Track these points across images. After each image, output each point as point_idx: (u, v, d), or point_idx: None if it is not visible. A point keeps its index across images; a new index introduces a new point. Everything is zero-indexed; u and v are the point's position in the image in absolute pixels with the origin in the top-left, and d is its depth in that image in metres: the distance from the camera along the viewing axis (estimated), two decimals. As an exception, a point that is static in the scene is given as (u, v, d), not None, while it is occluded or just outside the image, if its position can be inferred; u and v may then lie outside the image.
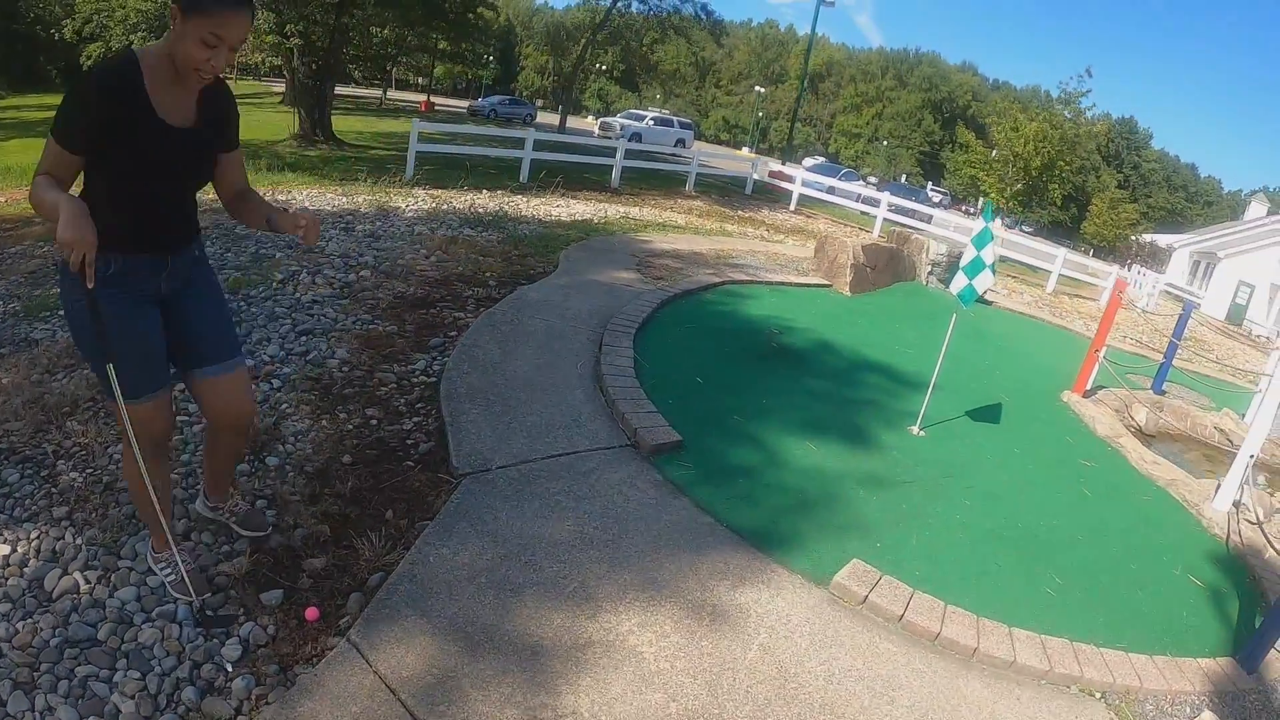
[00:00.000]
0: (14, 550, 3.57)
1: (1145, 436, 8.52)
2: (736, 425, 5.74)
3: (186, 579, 3.29)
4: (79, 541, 3.64)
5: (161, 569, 3.42)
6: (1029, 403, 8.20)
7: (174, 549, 3.32)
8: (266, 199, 3.28)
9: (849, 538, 4.53)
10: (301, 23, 22.24)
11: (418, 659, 3.06)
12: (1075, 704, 3.70)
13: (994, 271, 6.37)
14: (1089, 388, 8.90)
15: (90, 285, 2.59)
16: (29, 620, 3.21)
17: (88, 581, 3.43)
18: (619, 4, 40.24)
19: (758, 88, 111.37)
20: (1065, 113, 36.35)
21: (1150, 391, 9.84)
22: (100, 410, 4.67)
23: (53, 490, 3.97)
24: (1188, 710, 3.89)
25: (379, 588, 3.42)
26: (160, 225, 2.98)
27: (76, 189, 2.78)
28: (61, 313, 5.94)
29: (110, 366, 2.83)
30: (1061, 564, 4.91)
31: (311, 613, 3.31)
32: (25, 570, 3.47)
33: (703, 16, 40.94)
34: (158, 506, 3.19)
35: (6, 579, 3.41)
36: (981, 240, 6.22)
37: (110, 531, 3.71)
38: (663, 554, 3.97)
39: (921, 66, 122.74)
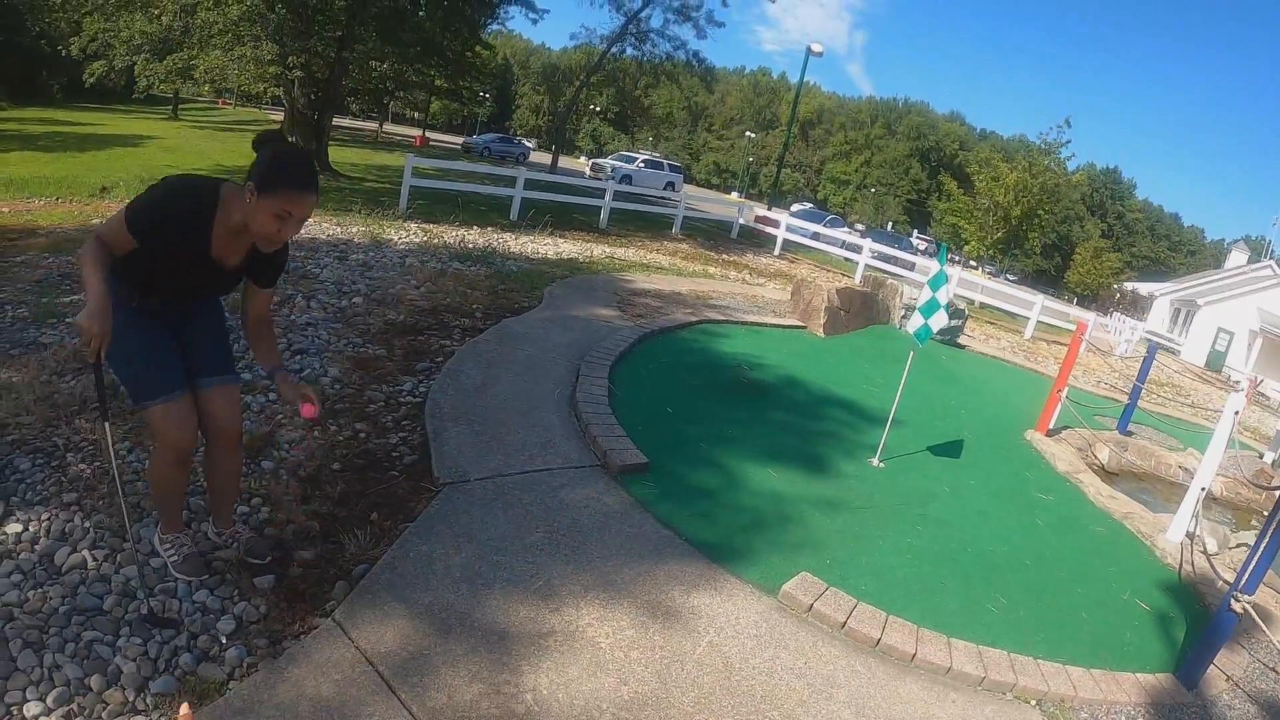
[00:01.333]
0: (25, 529, 3.92)
1: (1108, 474, 8.80)
2: (701, 451, 6.05)
3: (191, 560, 3.72)
4: (87, 524, 3.98)
5: (166, 550, 3.78)
6: (992, 440, 8.49)
7: (181, 533, 3.77)
8: (279, 350, 3.78)
9: (801, 554, 4.82)
10: (304, 55, 22.69)
11: (395, 637, 3.40)
12: (1009, 708, 3.96)
13: (948, 311, 6.75)
14: (1052, 427, 9.19)
15: (93, 362, 3.09)
16: (39, 590, 3.54)
17: (95, 559, 3.77)
18: (613, 49, 40.74)
19: (748, 133, 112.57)
20: (1047, 162, 37.01)
21: (1115, 432, 10.17)
22: (109, 410, 5.03)
23: (62, 479, 4.31)
24: (1124, 718, 4.13)
25: (363, 577, 3.76)
26: (181, 298, 3.50)
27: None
28: (68, 320, 6.35)
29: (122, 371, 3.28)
30: (1007, 586, 5.15)
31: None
32: (36, 546, 3.82)
33: (695, 64, 41.44)
34: (172, 495, 3.67)
35: (19, 553, 3.75)
36: (936, 282, 6.63)
37: (116, 517, 4.04)
38: (623, 560, 4.30)
39: (910, 115, 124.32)
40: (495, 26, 32.72)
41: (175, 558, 3.77)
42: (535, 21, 37.45)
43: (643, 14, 39.14)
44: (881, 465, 6.71)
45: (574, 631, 3.67)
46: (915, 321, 6.71)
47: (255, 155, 3.19)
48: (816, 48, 37.18)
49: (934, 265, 6.74)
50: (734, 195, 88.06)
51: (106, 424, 3.40)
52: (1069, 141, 37.01)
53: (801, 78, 40.41)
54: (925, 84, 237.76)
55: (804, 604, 4.23)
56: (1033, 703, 4.06)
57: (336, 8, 22.57)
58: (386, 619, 3.51)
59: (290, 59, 22.69)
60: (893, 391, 6.95)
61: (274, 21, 21.34)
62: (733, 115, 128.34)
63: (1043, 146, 37.79)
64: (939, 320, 6.65)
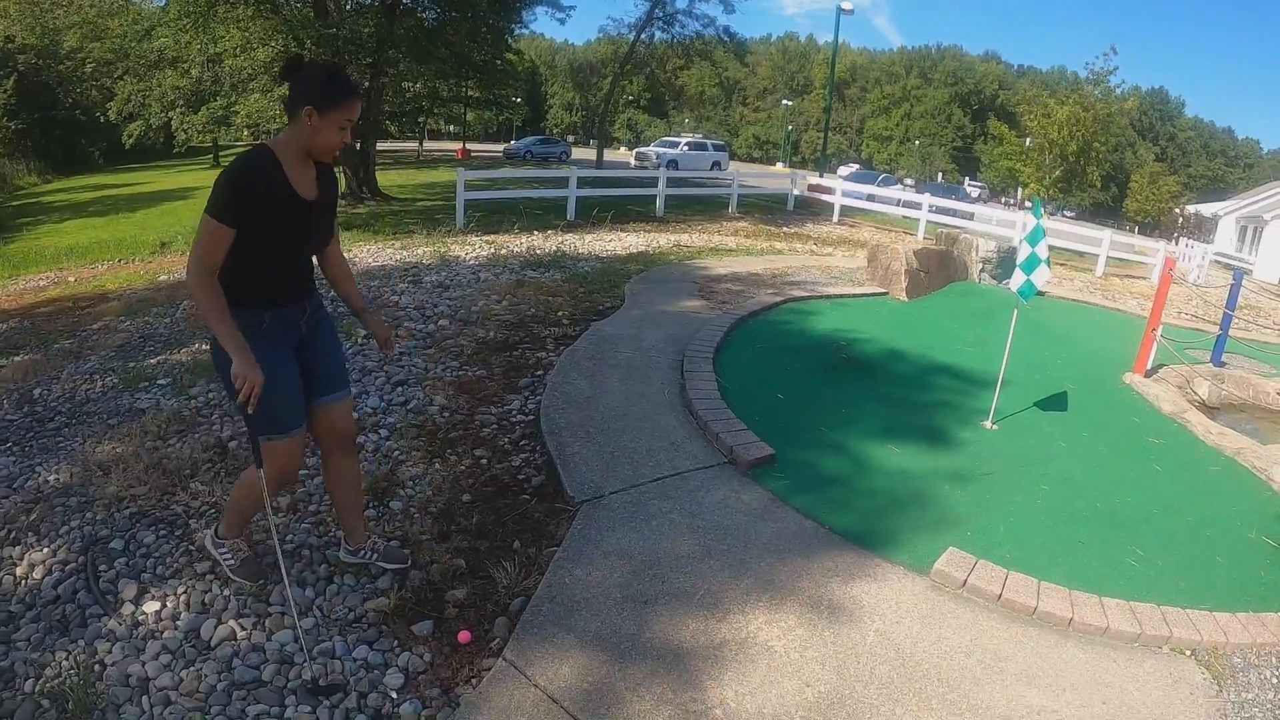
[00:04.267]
0: (164, 605, 3.86)
1: (1209, 409, 8.60)
2: (820, 435, 6.01)
3: (248, 563, 3.95)
4: (226, 593, 3.91)
5: (223, 553, 3.95)
6: (1093, 388, 8.33)
7: (240, 538, 3.98)
8: (359, 291, 3.91)
9: (941, 530, 4.78)
10: (343, 86, 22.87)
11: (571, 670, 3.36)
12: (1168, 662, 3.90)
13: (1049, 265, 6.57)
14: (1149, 367, 8.99)
15: (251, 412, 3.17)
16: (192, 668, 3.48)
17: (243, 628, 3.70)
18: (643, 35, 40.56)
19: (784, 101, 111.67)
20: (1096, 92, 36.17)
21: (1210, 365, 9.92)
22: (220, 470, 5.05)
23: (190, 548, 4.26)
24: (1274, 660, 4.06)
25: (522, 610, 3.72)
26: (298, 279, 3.56)
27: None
28: (161, 381, 6.40)
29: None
30: (1141, 537, 5.09)
31: (464, 635, 3.64)
32: (178, 623, 3.74)
33: (726, 39, 41.12)
34: (253, 511, 3.94)
35: (161, 631, 3.69)
36: (1035, 237, 6.46)
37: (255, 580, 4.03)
38: (776, 558, 4.26)
39: (945, 61, 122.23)
40: (522, 30, 32.69)
41: (232, 561, 3.94)
42: (563, 21, 37.48)
43: (666, -3, 38.86)
44: (995, 428, 6.60)
45: (746, 638, 3.63)
46: (1017, 278, 6.54)
47: (290, 82, 3.35)
48: (846, 5, 36.80)
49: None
50: (779, 166, 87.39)
51: (261, 471, 3.40)
52: (1116, 69, 36.12)
53: (836, 38, 39.98)
54: (956, 27, 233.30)
55: (957, 580, 4.20)
56: (1187, 653, 4.00)
57: (365, 35, 22.71)
58: (559, 652, 3.47)
59: (329, 92, 22.87)
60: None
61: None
62: (765, 85, 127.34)
63: (1091, 77, 36.92)
64: (1041, 275, 6.51)
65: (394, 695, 3.35)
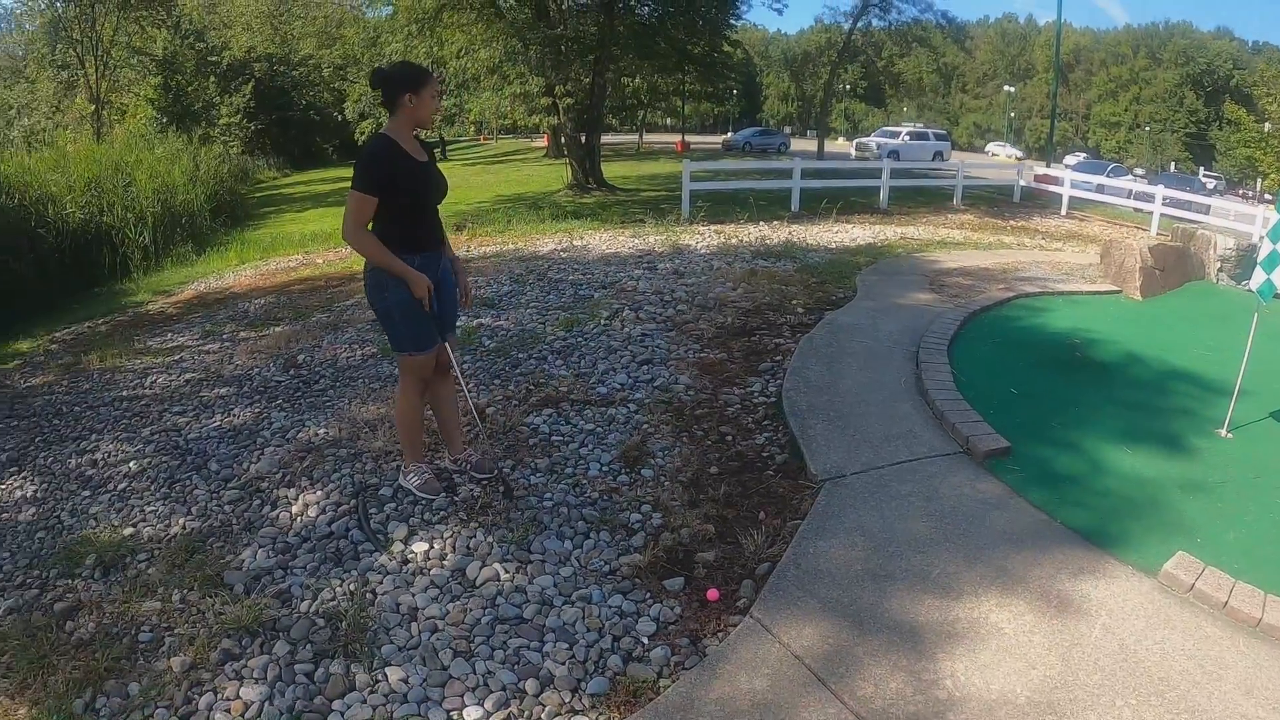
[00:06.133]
0: (431, 546, 4.38)
1: None
2: (1053, 432, 5.96)
3: (429, 482, 4.84)
4: (490, 540, 4.40)
5: (409, 477, 4.86)
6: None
7: (422, 462, 4.92)
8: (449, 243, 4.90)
9: (1171, 534, 4.68)
10: (568, 83, 23.74)
11: (814, 632, 3.58)
12: None
13: None
14: None
15: (427, 309, 4.40)
16: (457, 602, 3.93)
17: (506, 572, 4.15)
18: (859, 23, 40.08)
19: (1006, 87, 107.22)
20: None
21: None
22: (477, 432, 5.61)
23: (454, 499, 4.81)
24: None
25: (768, 575, 3.97)
26: (431, 228, 4.58)
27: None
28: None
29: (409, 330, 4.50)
30: None
31: (712, 593, 3.93)
32: (445, 562, 4.26)
33: (943, 23, 40.11)
34: (418, 428, 4.92)
35: (429, 569, 4.20)
36: (1277, 233, 6.17)
37: (517, 530, 4.47)
38: (1009, 548, 4.32)
39: (1174, 39, 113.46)
40: (741, 21, 32.87)
41: (417, 481, 4.83)
42: (780, 11, 37.45)
43: (881, -18, 38.24)
44: (1230, 436, 6.32)
45: (977, 619, 3.74)
46: (1257, 277, 6.28)
47: (382, 83, 4.35)
48: None
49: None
50: (995, 149, 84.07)
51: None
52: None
53: (1060, 17, 38.32)
54: (1183, 1, 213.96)
55: (1185, 584, 4.12)
56: None
57: (589, 34, 23.45)
58: (802, 615, 3.69)
59: (557, 89, 23.78)
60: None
61: (533, 57, 22.49)
62: (985, 70, 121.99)
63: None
64: (1284, 273, 6.18)
65: (645, 640, 3.66)
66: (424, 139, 4.65)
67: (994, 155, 77.27)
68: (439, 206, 4.67)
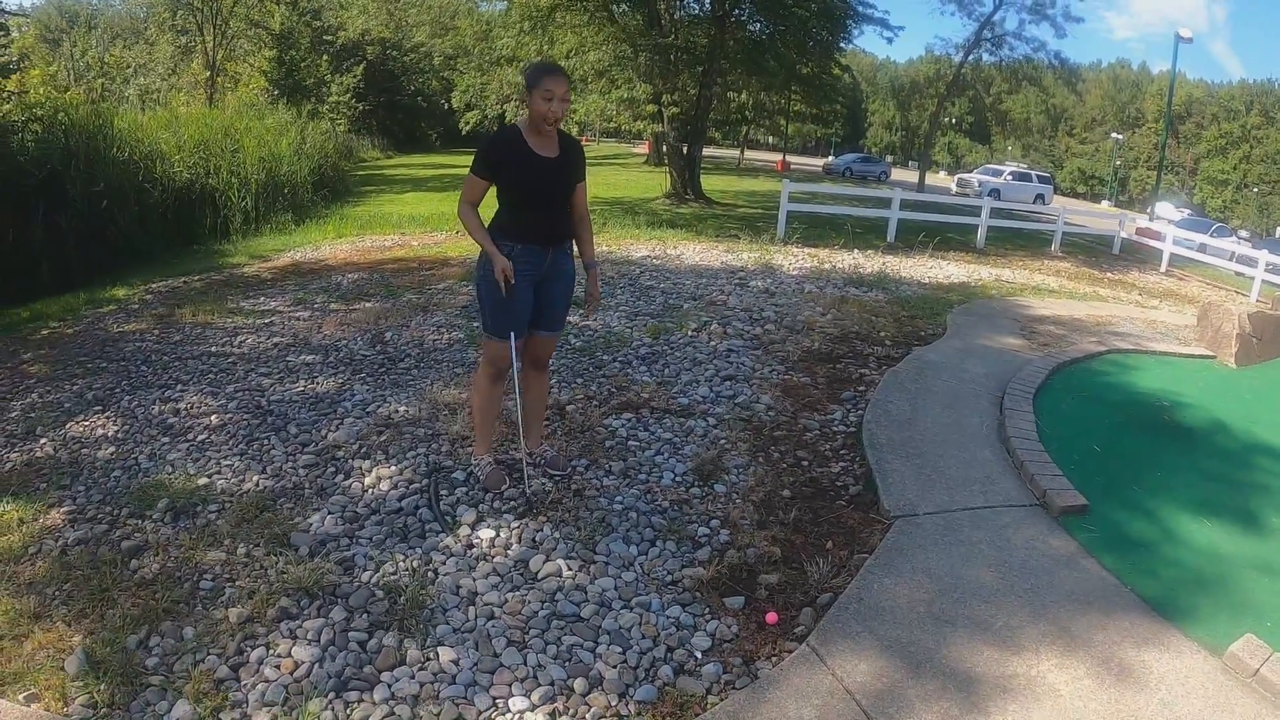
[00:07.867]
0: (498, 534, 4.45)
1: None
2: (1133, 495, 5.82)
3: (492, 474, 4.90)
4: (556, 535, 4.45)
5: (476, 466, 4.98)
6: None
7: (488, 455, 5.01)
8: (594, 249, 5.02)
9: (1242, 615, 4.53)
10: (675, 93, 23.87)
11: (868, 668, 3.54)
12: None
13: None
14: None
15: (502, 292, 4.44)
16: (517, 592, 3.98)
17: (569, 569, 4.18)
18: (970, 57, 39.52)
19: (1114, 134, 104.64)
20: None
21: None
22: (556, 428, 5.73)
23: (525, 490, 4.83)
24: None
25: (830, 605, 3.93)
26: (541, 223, 4.60)
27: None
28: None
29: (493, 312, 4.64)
30: None
31: (771, 616, 3.91)
32: (509, 551, 4.31)
33: (1056, 64, 39.33)
34: (488, 416, 5.01)
35: (493, 556, 4.26)
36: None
37: (585, 529, 4.51)
38: (1075, 608, 4.22)
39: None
40: (851, 45, 32.72)
41: (485, 470, 4.93)
42: (890, 40, 37.28)
43: (995, 17, 37.73)
44: None
45: (1035, 677, 3.66)
46: None
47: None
48: (1185, 33, 34.33)
49: None
50: (1105, 204, 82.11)
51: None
52: None
53: (1174, 67, 37.43)
54: None
55: (1250, 668, 3.98)
56: None
57: (699, 45, 23.56)
58: (858, 649, 3.65)
59: (664, 98, 23.94)
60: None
61: (642, 64, 22.67)
62: (1094, 115, 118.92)
63: None
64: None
65: (699, 655, 3.66)
66: (566, 137, 4.74)
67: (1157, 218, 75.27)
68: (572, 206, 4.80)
